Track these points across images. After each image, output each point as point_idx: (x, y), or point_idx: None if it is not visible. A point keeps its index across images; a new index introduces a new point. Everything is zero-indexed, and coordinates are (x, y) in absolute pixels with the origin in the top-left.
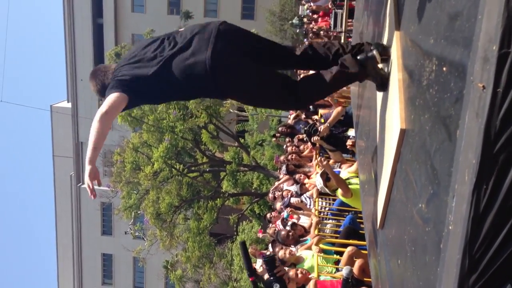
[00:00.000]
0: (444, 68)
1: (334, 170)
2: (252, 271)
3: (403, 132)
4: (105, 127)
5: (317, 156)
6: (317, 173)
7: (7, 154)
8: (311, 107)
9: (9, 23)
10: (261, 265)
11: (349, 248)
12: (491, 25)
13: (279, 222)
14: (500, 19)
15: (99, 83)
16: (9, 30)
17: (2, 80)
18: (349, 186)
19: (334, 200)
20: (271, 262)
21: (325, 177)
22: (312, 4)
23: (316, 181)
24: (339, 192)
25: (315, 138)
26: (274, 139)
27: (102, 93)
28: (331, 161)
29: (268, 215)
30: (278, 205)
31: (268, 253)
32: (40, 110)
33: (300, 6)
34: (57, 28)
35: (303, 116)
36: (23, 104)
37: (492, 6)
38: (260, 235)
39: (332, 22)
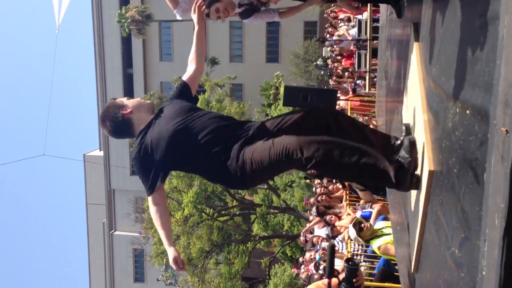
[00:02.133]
0: (468, 111)
1: (365, 210)
2: (331, 273)
3: (432, 174)
4: (158, 210)
5: (347, 196)
6: (348, 214)
7: (44, 204)
8: None
9: (39, 75)
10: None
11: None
12: (510, 70)
13: (311, 266)
14: None
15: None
16: (41, 83)
17: (45, 135)
18: (383, 237)
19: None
20: (353, 271)
21: (358, 227)
22: (335, 46)
23: (349, 231)
24: (375, 244)
25: None
26: (307, 180)
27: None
28: (361, 202)
29: (300, 259)
30: (308, 255)
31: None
32: (73, 160)
33: (324, 48)
34: (88, 79)
35: None
36: (60, 156)
37: (509, 51)
38: (294, 270)
39: (356, 63)
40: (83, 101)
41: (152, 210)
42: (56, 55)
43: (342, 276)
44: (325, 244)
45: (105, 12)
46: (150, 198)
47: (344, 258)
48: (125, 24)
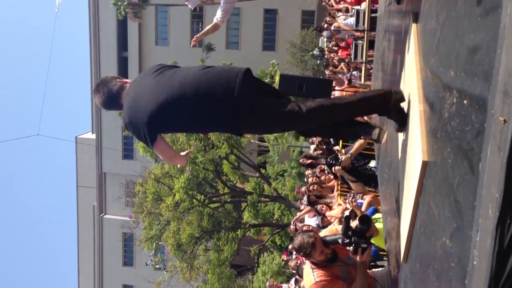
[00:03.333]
0: (465, 101)
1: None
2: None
3: (425, 164)
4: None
5: (339, 187)
6: (339, 204)
7: (35, 185)
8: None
9: (36, 55)
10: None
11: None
12: (510, 59)
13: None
14: None
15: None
16: (38, 64)
17: (40, 115)
18: (376, 224)
19: None
20: (367, 222)
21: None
22: (333, 37)
23: (343, 221)
24: None
25: (337, 168)
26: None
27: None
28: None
29: (290, 246)
30: None
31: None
32: (65, 141)
33: (320, 38)
34: (83, 61)
35: (324, 147)
36: (53, 136)
37: (511, 40)
38: (284, 257)
39: (352, 53)
40: (77, 83)
41: (160, 153)
42: (54, 35)
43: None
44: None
45: None
46: (154, 149)
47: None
48: (121, 7)
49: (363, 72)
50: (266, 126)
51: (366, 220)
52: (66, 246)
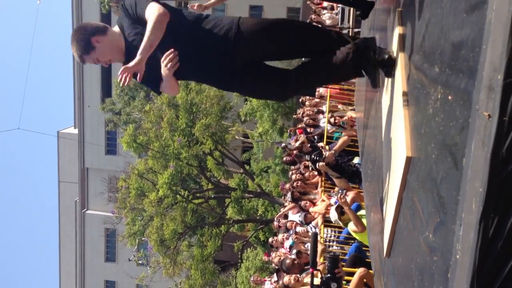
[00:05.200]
0: (449, 97)
1: None
2: (314, 264)
3: (409, 160)
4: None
5: (323, 183)
6: (322, 200)
7: (16, 179)
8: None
9: (17, 48)
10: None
11: (360, 269)
12: (496, 55)
13: (285, 248)
14: (504, 49)
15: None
16: (19, 57)
17: (21, 108)
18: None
19: (339, 227)
20: (334, 261)
21: (340, 210)
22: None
23: (331, 214)
24: (350, 227)
25: (320, 164)
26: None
27: (89, 35)
28: (336, 188)
29: (270, 239)
30: (281, 236)
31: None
32: (47, 135)
33: None
34: (65, 55)
35: (308, 145)
36: (34, 130)
37: (497, 36)
38: (265, 258)
39: (339, 17)
40: (60, 77)
41: (160, 25)
42: (35, 29)
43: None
44: (299, 229)
45: None
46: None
47: (321, 249)
48: (106, 0)
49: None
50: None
51: (333, 259)
52: (48, 242)
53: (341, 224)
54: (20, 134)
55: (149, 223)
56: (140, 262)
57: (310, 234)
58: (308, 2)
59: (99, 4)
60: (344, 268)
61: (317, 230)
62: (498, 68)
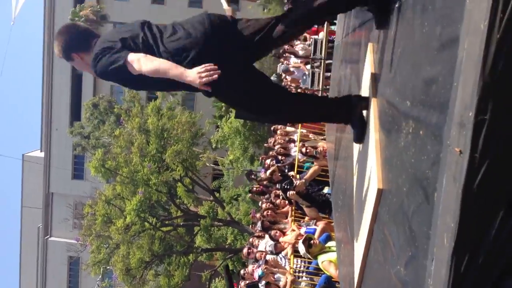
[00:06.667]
0: (421, 131)
1: (310, 227)
2: None
3: (380, 192)
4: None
5: (293, 212)
6: (292, 230)
7: None
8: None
9: None
10: None
11: None
12: (467, 93)
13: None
14: (475, 88)
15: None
16: None
17: None
18: (329, 254)
19: (309, 259)
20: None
21: (307, 243)
22: (288, 77)
23: (299, 247)
24: (320, 258)
25: (291, 193)
26: (249, 194)
27: (71, 49)
28: (306, 218)
29: (242, 271)
30: (251, 267)
31: None
32: (11, 159)
33: (278, 64)
34: (34, 75)
35: (278, 174)
36: None
37: (468, 75)
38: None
39: (309, 81)
40: (27, 99)
41: (142, 61)
42: (7, 48)
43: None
44: (269, 257)
45: (58, 9)
46: (129, 57)
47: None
48: (80, 21)
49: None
50: None
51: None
52: (8, 269)
53: (310, 257)
54: None
55: (115, 251)
56: None
57: (280, 263)
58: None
59: None
60: None
61: (287, 260)
62: (469, 105)
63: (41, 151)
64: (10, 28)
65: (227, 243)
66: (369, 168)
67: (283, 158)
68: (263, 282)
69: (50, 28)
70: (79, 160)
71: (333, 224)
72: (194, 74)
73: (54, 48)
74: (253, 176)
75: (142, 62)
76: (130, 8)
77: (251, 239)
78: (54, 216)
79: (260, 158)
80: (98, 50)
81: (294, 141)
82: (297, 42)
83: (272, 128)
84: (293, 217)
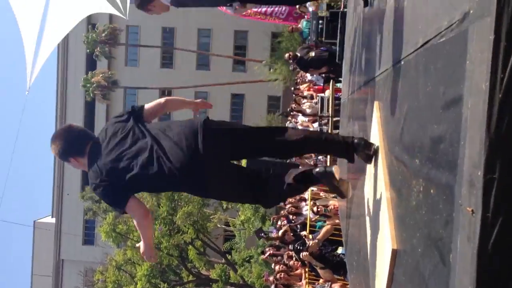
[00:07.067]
0: (432, 190)
1: None
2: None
3: (395, 253)
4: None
5: (307, 274)
6: None
7: None
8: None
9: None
10: None
11: None
12: (474, 151)
13: None
14: (482, 146)
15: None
16: (3, 141)
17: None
18: None
19: None
20: None
21: None
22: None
23: None
24: None
25: (304, 254)
26: (262, 256)
27: (67, 154)
28: (321, 280)
29: None
30: None
31: None
32: (23, 226)
33: (286, 123)
34: (47, 142)
35: (291, 234)
36: (9, 221)
37: (473, 133)
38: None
39: (319, 107)
40: (40, 165)
41: (135, 222)
42: (22, 118)
43: None
44: None
45: (70, 76)
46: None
47: None
48: (90, 88)
49: (328, 157)
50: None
51: None
52: None
53: None
54: None
55: None
56: None
57: None
58: (293, 92)
59: (83, 92)
60: None
61: None
62: (477, 164)
63: (52, 217)
64: (25, 98)
65: None
66: (382, 228)
67: (294, 217)
68: None
69: (63, 95)
70: (90, 225)
71: (348, 286)
72: (142, 250)
73: (51, 150)
74: (262, 234)
75: (136, 220)
76: (140, 73)
77: None
78: (64, 284)
79: (272, 218)
80: (93, 185)
81: (305, 200)
82: (304, 100)
83: None
84: (307, 279)
